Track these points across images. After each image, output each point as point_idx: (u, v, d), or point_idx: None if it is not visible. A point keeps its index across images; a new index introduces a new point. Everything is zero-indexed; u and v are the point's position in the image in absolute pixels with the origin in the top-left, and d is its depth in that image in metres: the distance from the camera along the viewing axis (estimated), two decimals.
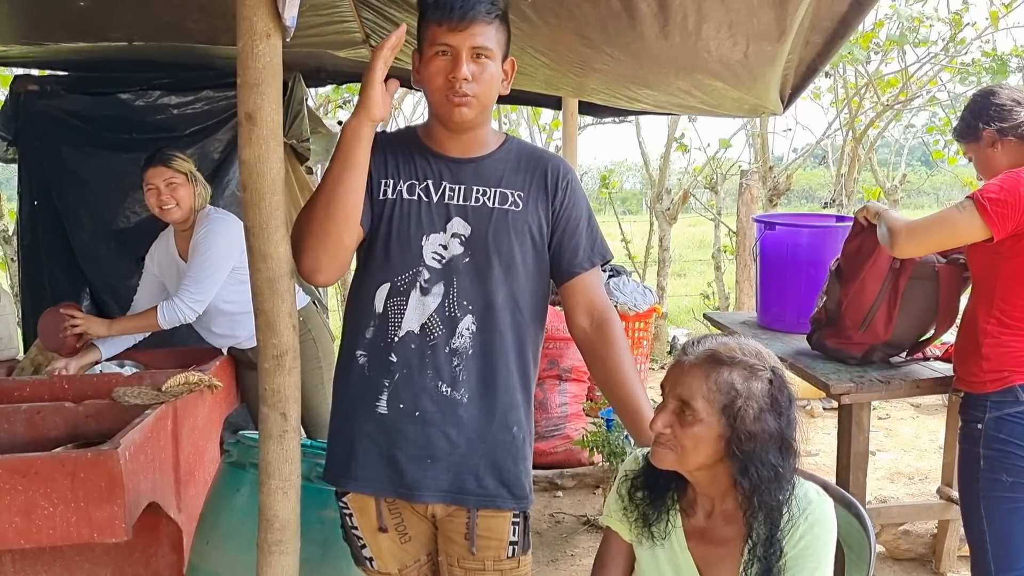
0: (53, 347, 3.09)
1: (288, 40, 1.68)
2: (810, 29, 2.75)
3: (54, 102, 4.05)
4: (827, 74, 7.23)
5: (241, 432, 2.43)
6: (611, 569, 1.76)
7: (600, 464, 4.26)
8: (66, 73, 4.24)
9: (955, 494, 3.36)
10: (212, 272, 3.03)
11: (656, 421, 1.60)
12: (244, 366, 3.34)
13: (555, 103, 5.15)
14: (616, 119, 7.13)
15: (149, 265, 3.31)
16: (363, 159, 1.71)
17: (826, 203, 8.27)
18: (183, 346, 3.55)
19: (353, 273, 1.90)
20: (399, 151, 1.83)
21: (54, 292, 4.06)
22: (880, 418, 5.66)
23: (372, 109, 1.68)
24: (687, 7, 2.44)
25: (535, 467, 4.35)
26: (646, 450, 1.71)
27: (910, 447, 5.15)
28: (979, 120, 2.43)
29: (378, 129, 1.76)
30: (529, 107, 7.53)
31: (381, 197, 1.79)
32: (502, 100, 5.18)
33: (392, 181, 1.80)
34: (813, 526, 1.57)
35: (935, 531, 3.52)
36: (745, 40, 2.66)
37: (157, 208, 3.13)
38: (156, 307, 3.04)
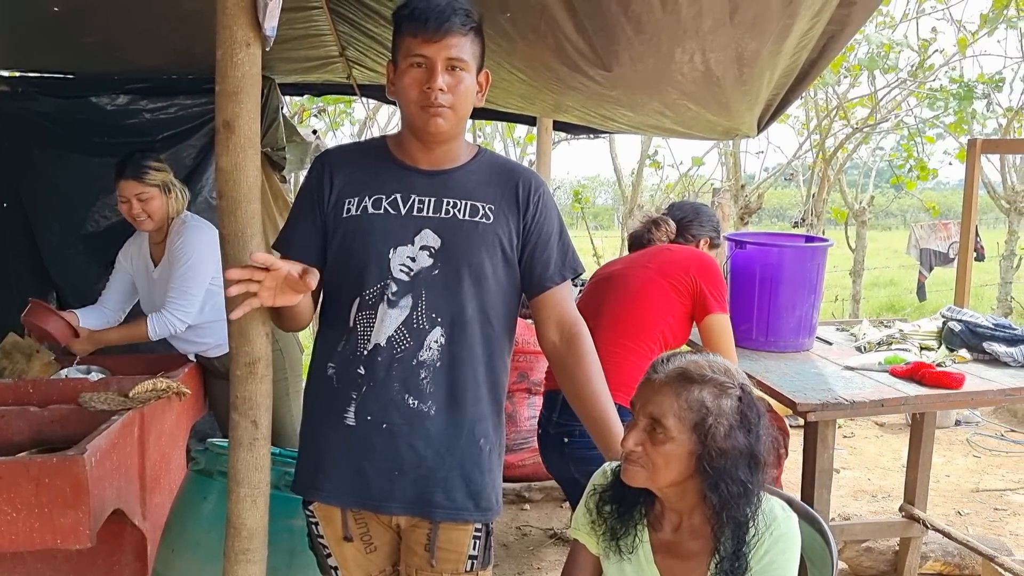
0: (48, 339, 3.07)
1: (267, 49, 1.69)
2: (785, 68, 2.84)
3: (25, 104, 4.01)
4: None
5: (209, 440, 2.42)
6: None
7: None
8: (39, 75, 4.20)
9: (918, 512, 3.43)
10: (196, 283, 3.03)
11: (627, 439, 1.61)
12: (211, 374, 3.32)
13: (530, 119, 5.18)
14: (590, 136, 7.17)
15: (123, 262, 3.29)
16: (296, 313, 1.77)
17: (796, 222, 8.39)
18: (151, 352, 3.51)
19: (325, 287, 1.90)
20: (367, 166, 1.83)
21: (20, 295, 3.98)
22: (845, 436, 5.73)
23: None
24: (661, 32, 2.48)
25: (504, 480, 4.36)
26: (615, 464, 1.73)
27: (874, 465, 5.22)
28: None
29: (352, 139, 1.78)
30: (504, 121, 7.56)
31: (345, 215, 1.79)
32: (478, 115, 5.25)
33: (357, 198, 1.79)
34: (778, 541, 1.60)
35: (897, 548, 3.57)
36: (717, 64, 2.71)
37: (130, 219, 3.13)
38: (145, 319, 3.03)
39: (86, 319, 3.19)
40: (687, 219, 3.01)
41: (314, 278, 1.63)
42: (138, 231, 3.28)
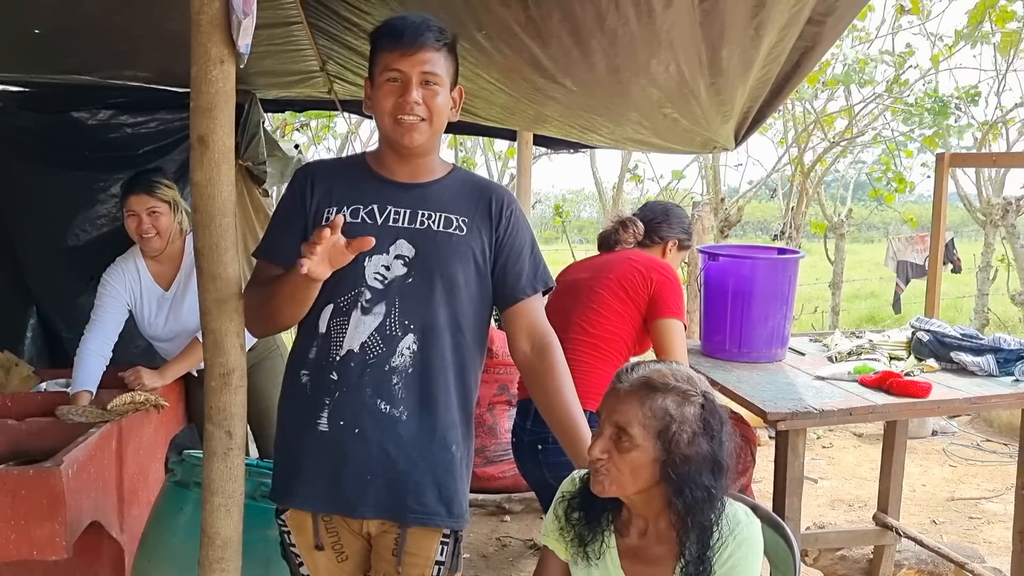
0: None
1: (241, 66, 1.72)
2: (758, 80, 2.89)
3: (6, 118, 4.01)
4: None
5: (186, 451, 2.44)
6: None
7: None
8: (19, 89, 4.21)
9: (890, 520, 3.47)
10: None
11: (594, 448, 1.65)
12: (196, 383, 3.28)
13: (511, 135, 5.22)
14: (570, 151, 7.21)
15: (119, 289, 3.12)
16: (311, 296, 1.75)
17: (775, 235, 8.47)
18: (130, 366, 3.50)
19: None
20: (346, 178, 1.89)
21: (1, 309, 4.01)
22: (824, 447, 5.79)
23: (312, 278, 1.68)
24: (636, 44, 2.53)
25: (484, 491, 4.39)
26: (583, 472, 1.77)
27: (851, 475, 5.27)
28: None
29: (333, 155, 1.81)
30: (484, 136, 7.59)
31: (324, 223, 1.83)
32: (459, 130, 5.27)
33: (336, 208, 1.84)
34: (741, 545, 1.64)
35: (871, 556, 3.61)
36: (691, 76, 2.76)
37: (136, 235, 3.05)
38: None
39: (97, 368, 2.99)
40: (656, 220, 3.00)
41: (367, 242, 1.66)
42: (124, 260, 3.17)
